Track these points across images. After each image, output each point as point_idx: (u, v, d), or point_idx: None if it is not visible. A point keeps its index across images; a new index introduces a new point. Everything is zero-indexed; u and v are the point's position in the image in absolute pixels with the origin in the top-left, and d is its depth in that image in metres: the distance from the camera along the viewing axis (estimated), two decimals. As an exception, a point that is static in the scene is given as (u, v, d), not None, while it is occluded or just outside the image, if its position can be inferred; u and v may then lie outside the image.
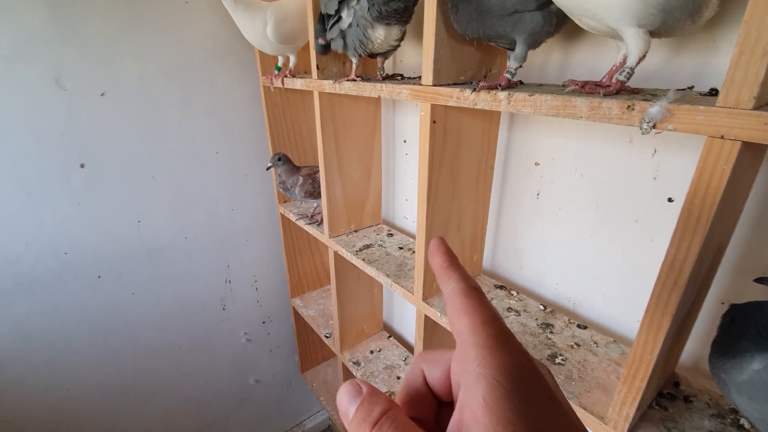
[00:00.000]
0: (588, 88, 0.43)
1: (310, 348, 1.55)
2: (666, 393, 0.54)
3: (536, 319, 0.69)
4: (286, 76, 0.95)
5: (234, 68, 1.12)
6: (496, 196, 0.80)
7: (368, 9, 0.62)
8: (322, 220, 1.01)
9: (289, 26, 0.87)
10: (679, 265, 0.38)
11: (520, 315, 0.70)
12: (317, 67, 0.83)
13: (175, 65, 1.03)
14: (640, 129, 0.37)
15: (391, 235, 1.02)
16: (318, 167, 1.02)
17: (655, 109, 0.36)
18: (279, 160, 1.01)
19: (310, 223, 1.08)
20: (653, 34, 0.41)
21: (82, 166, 0.99)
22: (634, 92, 0.43)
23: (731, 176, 0.34)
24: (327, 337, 1.23)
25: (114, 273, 1.11)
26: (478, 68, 0.62)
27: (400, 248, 0.95)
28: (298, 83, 0.91)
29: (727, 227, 0.43)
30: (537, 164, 0.71)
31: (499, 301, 0.74)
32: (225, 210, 1.24)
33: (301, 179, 1.02)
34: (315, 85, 0.84)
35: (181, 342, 1.31)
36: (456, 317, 0.19)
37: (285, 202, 1.24)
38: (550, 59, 0.64)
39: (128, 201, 1.07)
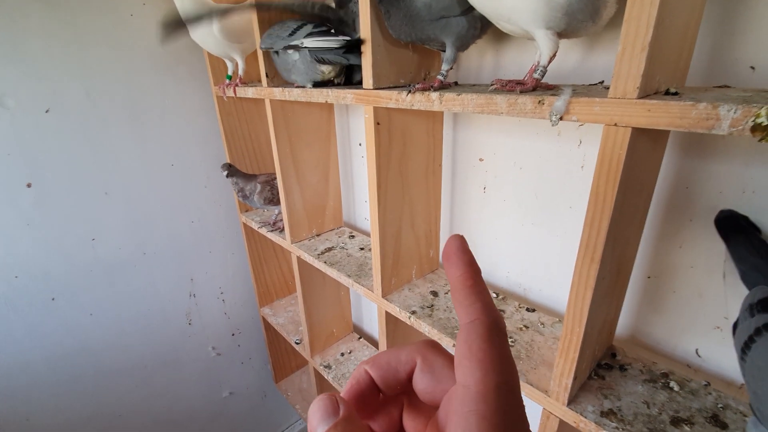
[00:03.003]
0: (508, 87, 0.47)
1: (282, 357, 1.54)
2: (604, 363, 0.58)
3: (489, 306, 0.73)
4: (237, 85, 0.95)
5: (185, 79, 1.11)
6: (447, 192, 0.83)
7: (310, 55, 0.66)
8: (284, 227, 1.02)
9: (237, 24, 0.87)
10: (593, 243, 0.42)
11: (474, 304, 0.74)
12: (267, 75, 0.84)
13: (123, 79, 1.02)
14: (550, 121, 0.41)
15: (353, 236, 1.03)
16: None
17: (559, 102, 0.39)
18: (230, 168, 1.01)
19: (272, 231, 1.08)
20: (561, 35, 0.45)
21: (29, 185, 0.96)
22: (550, 88, 0.47)
23: (628, 159, 0.38)
24: (297, 343, 1.23)
25: (69, 294, 1.08)
26: (417, 71, 0.65)
27: (361, 249, 0.97)
28: (249, 92, 0.92)
29: (637, 207, 0.48)
30: (481, 160, 0.75)
31: (455, 292, 0.77)
32: (184, 223, 1.22)
33: (258, 186, 1.02)
34: (266, 93, 0.85)
35: (146, 361, 1.28)
36: (467, 365, 0.17)
37: (247, 211, 1.24)
38: (484, 61, 0.68)
39: (80, 219, 1.04)
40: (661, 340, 0.60)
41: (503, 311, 0.71)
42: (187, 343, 1.35)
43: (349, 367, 1.14)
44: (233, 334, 1.46)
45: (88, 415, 1.19)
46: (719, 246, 0.51)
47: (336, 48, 0.64)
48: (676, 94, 0.37)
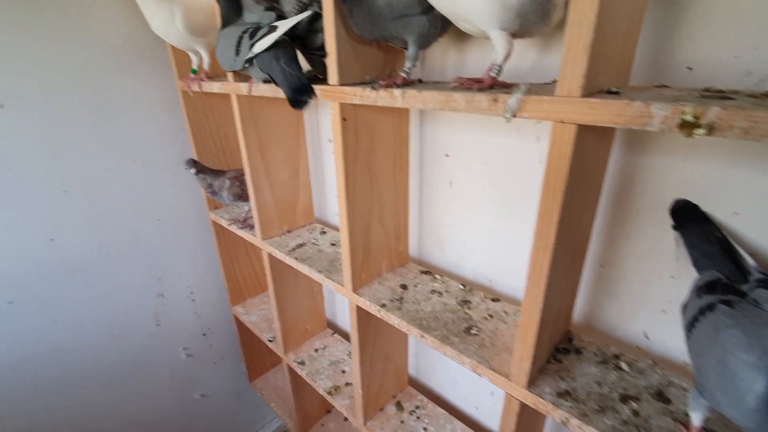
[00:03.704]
0: (466, 85, 0.48)
1: (256, 355, 1.53)
2: (561, 348, 0.61)
3: (456, 297, 0.75)
4: (202, 80, 0.93)
5: (148, 73, 1.08)
6: (416, 187, 0.85)
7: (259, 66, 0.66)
8: (254, 224, 1.01)
9: (201, 17, 0.86)
10: (546, 233, 0.44)
11: (442, 296, 0.76)
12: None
13: (83, 73, 0.98)
14: (504, 117, 0.43)
15: (324, 233, 1.04)
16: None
17: (512, 100, 0.41)
18: (195, 164, 0.99)
19: (242, 228, 1.07)
20: (515, 35, 0.47)
21: (-21, 184, 0.91)
22: (506, 87, 0.49)
23: (575, 154, 0.40)
24: (270, 341, 1.23)
25: (28, 298, 1.03)
26: (382, 68, 0.66)
27: (333, 244, 0.97)
28: (215, 87, 0.91)
29: (587, 199, 0.51)
30: (448, 156, 0.77)
31: (423, 285, 0.79)
32: (151, 221, 1.19)
33: (227, 182, 1.01)
34: (232, 88, 0.84)
35: (114, 364, 1.24)
36: None
37: (216, 208, 1.22)
38: (447, 60, 0.70)
39: (38, 218, 1.00)
40: (613, 325, 0.64)
41: (469, 302, 0.73)
42: (156, 345, 1.32)
43: (323, 362, 1.14)
44: (204, 334, 1.44)
45: (54, 420, 1.15)
46: (664, 235, 0.55)
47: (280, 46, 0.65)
48: (616, 93, 0.39)
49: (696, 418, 0.46)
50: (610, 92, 0.40)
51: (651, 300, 0.59)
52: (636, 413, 0.50)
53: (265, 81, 0.74)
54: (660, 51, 0.49)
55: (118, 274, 1.17)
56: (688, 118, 0.32)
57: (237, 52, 0.68)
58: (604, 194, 0.58)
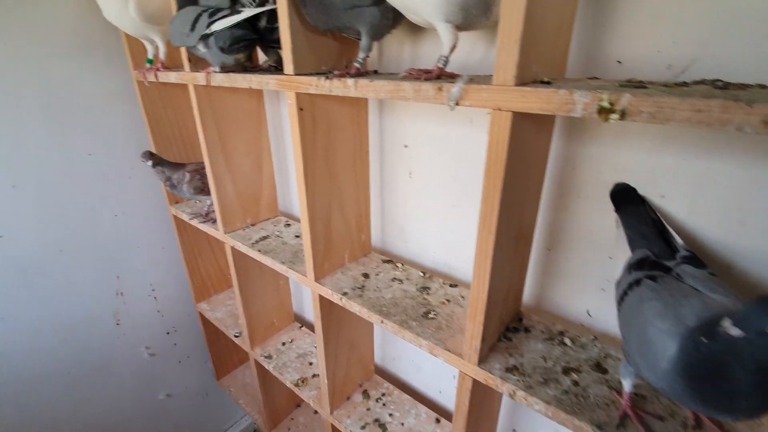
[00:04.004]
0: (415, 75, 0.50)
1: (223, 353, 1.51)
2: (511, 327, 0.65)
3: (416, 284, 0.77)
4: (158, 69, 0.91)
5: (102, 63, 1.04)
6: (376, 177, 0.86)
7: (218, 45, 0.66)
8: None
9: (156, 4, 0.83)
10: (489, 216, 0.47)
11: (402, 283, 0.78)
12: (189, 60, 0.82)
13: (31, 62, 0.93)
14: (448, 106, 0.45)
15: (289, 225, 1.04)
16: (206, 163, 1.00)
17: (455, 89, 0.44)
18: (152, 156, 0.97)
19: (204, 222, 1.06)
20: (460, 28, 0.49)
21: None
22: (452, 77, 0.51)
23: (512, 140, 0.43)
24: (236, 336, 1.22)
25: (-29, 298, 0.98)
26: (338, 58, 0.67)
27: (297, 237, 0.98)
28: (171, 76, 0.89)
29: (529, 184, 0.54)
30: (406, 146, 0.79)
31: (385, 273, 0.81)
32: (107, 216, 1.15)
33: (187, 175, 0.99)
34: (189, 78, 0.83)
35: (70, 367, 1.19)
36: None
37: (177, 202, 1.19)
38: (403, 52, 0.72)
39: (-19, 214, 0.95)
40: (560, 304, 0.68)
41: (428, 288, 0.76)
42: (116, 345, 1.28)
43: (290, 355, 1.14)
44: (168, 333, 1.40)
45: (9, 425, 1.10)
46: (602, 218, 0.59)
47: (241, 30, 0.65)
48: (548, 83, 0.42)
49: (627, 385, 0.50)
50: (543, 82, 0.43)
51: (592, 280, 0.63)
52: (576, 383, 0.54)
53: (222, 67, 0.73)
54: (592, 46, 0.52)
55: (73, 272, 1.12)
56: (605, 104, 0.35)
57: (192, 28, 0.68)
58: (548, 181, 0.61)
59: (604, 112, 0.36)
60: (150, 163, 0.96)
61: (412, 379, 1.05)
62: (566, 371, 0.56)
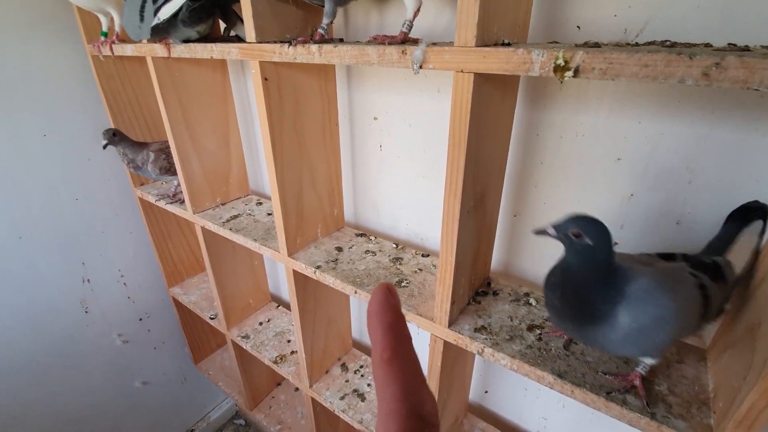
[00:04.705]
0: (379, 40, 0.50)
1: (200, 337, 1.49)
2: (480, 291, 0.67)
3: (389, 256, 0.79)
4: (114, 42, 0.87)
5: (53, 37, 0.97)
6: (347, 150, 0.86)
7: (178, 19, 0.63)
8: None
9: None
10: (454, 180, 0.48)
11: (375, 255, 0.79)
12: (147, 31, 0.78)
13: (-35, 32, 0.86)
14: (412, 69, 0.45)
15: (261, 203, 1.03)
16: (171, 142, 0.97)
17: (418, 52, 0.44)
18: (114, 135, 0.93)
19: (172, 203, 1.03)
20: (423, -9, 0.49)
21: None
22: (416, 42, 0.51)
23: (475, 102, 0.44)
24: (212, 318, 1.21)
25: None
26: (303, 27, 0.66)
27: (269, 214, 0.97)
28: (128, 49, 0.84)
29: (494, 149, 0.55)
30: (376, 119, 0.79)
31: (358, 246, 0.82)
32: (67, 201, 1.10)
33: (152, 155, 0.96)
34: (147, 50, 0.79)
35: (38, 357, 1.16)
36: None
37: (142, 184, 1.15)
38: (370, 21, 0.71)
39: (-74, 201, 0.89)
40: (526, 268, 0.71)
41: (401, 259, 0.77)
42: (86, 333, 1.25)
43: (268, 334, 1.15)
44: (141, 319, 1.37)
45: (-34, 423, 1.06)
46: (562, 184, 0.62)
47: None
48: (509, 44, 0.43)
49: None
50: (504, 44, 0.44)
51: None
52: (539, 338, 0.57)
53: (185, 41, 0.70)
54: (553, 12, 0.53)
55: (34, 259, 1.08)
56: (560, 62, 0.36)
57: (141, 18, 0.64)
58: (514, 147, 0.63)
59: (559, 70, 0.37)
60: (109, 142, 0.92)
61: (389, 350, 1.07)
62: (531, 328, 0.59)
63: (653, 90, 0.51)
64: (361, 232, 0.87)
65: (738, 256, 0.48)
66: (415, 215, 0.83)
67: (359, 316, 1.09)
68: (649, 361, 0.48)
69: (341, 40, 0.63)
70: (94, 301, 1.24)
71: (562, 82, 0.53)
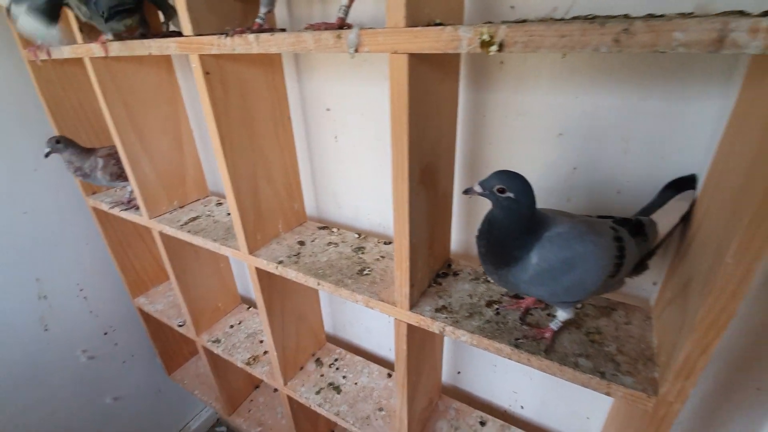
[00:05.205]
0: (316, 26, 0.50)
1: (172, 346, 1.45)
2: (441, 273, 0.68)
3: (352, 246, 0.79)
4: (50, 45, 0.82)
5: (-18, 42, 0.92)
6: (303, 143, 0.85)
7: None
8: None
9: None
10: (400, 162, 0.49)
11: (338, 246, 0.79)
12: (80, 30, 0.75)
13: None
14: (348, 53, 0.45)
15: (221, 204, 1.00)
16: (120, 146, 0.93)
17: (352, 35, 0.44)
18: (58, 143, 0.89)
19: (127, 209, 0.99)
20: (356, -25, 0.49)
21: None
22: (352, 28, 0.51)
23: (413, 84, 0.44)
24: (180, 325, 1.18)
25: None
26: (243, 19, 0.64)
27: (229, 214, 0.95)
28: (65, 51, 0.81)
29: (440, 129, 0.56)
30: (328, 110, 0.79)
31: (321, 239, 0.82)
32: (14, 215, 1.04)
33: (101, 161, 0.92)
34: (83, 50, 0.76)
35: (-4, 380, 1.10)
36: None
37: (95, 192, 1.11)
38: (313, 11, 0.70)
39: None
40: (485, 248, 0.73)
41: (363, 248, 0.77)
42: (48, 352, 1.19)
43: (239, 336, 1.13)
44: (106, 333, 1.32)
45: None
46: (511, 163, 0.63)
47: None
48: (440, 24, 0.43)
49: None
50: (436, 24, 0.44)
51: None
52: (497, 312, 0.58)
53: (116, 35, 0.68)
54: (488, -9, 0.55)
55: (-19, 279, 1.02)
56: (485, 37, 0.37)
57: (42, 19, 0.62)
58: (463, 129, 0.64)
59: (485, 45, 0.38)
60: (52, 150, 0.88)
61: (364, 341, 1.08)
62: (489, 304, 0.61)
63: (586, 65, 0.53)
64: (323, 225, 0.87)
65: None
66: (376, 204, 0.83)
67: (331, 310, 1.09)
68: (562, 315, 0.51)
69: (283, 30, 0.62)
70: (54, 318, 1.18)
71: (488, 55, 0.54)
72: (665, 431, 0.45)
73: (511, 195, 0.44)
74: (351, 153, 0.80)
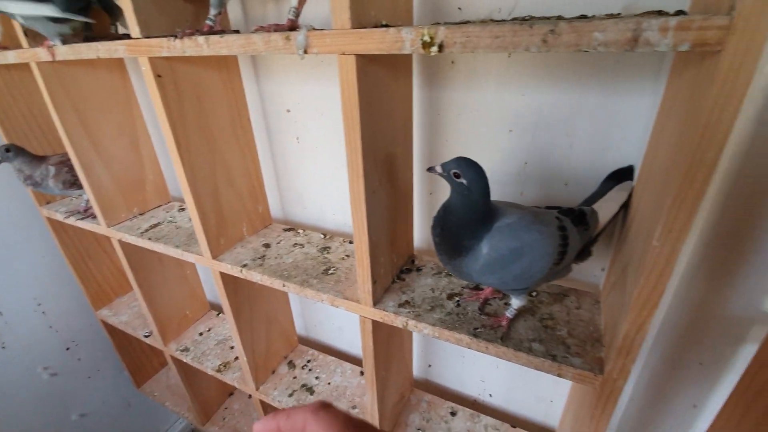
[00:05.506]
0: (266, 28, 0.50)
1: (139, 358, 1.41)
2: (405, 269, 0.70)
3: (317, 246, 0.79)
4: (-10, 49, 0.79)
5: None
6: (265, 146, 0.85)
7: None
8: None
9: None
10: (355, 160, 0.49)
11: (304, 247, 0.79)
12: (26, 34, 0.72)
13: None
14: (298, 54, 0.45)
15: (183, 209, 0.98)
16: (74, 153, 0.90)
17: (300, 37, 0.44)
18: (8, 151, 0.85)
19: (83, 218, 0.96)
20: (304, -22, 0.49)
21: None
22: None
23: (362, 85, 0.45)
24: (147, 336, 1.14)
25: None
26: (195, 20, 0.64)
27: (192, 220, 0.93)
28: (10, 56, 0.77)
29: (395, 129, 0.57)
30: (289, 111, 0.79)
31: (286, 241, 0.82)
32: (-41, 228, 0.99)
33: (53, 169, 0.88)
34: (29, 55, 0.73)
35: (-54, 406, 1.04)
36: None
37: (48, 202, 1.06)
38: (267, 11, 0.70)
39: None
40: (447, 242, 0.75)
41: (329, 248, 0.78)
42: (6, 371, 1.13)
43: (209, 344, 1.11)
44: (68, 348, 1.27)
45: None
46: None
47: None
48: (386, 26, 0.45)
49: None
50: (382, 26, 0.45)
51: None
52: (458, 304, 0.60)
53: (64, 40, 0.65)
54: (436, -6, 0.56)
55: (-76, 298, 0.96)
56: (426, 38, 0.38)
57: None
58: (420, 128, 0.65)
59: (426, 46, 0.39)
60: (2, 160, 0.84)
61: (336, 341, 1.08)
62: (450, 297, 0.62)
63: (530, 64, 0.55)
64: (289, 227, 0.87)
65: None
66: (340, 204, 0.84)
67: (302, 312, 1.09)
68: (516, 303, 0.53)
69: (237, 32, 0.62)
70: (11, 334, 1.12)
71: (430, 55, 0.56)
72: (612, 406, 0.48)
73: (464, 182, 0.45)
74: (313, 154, 0.81)
